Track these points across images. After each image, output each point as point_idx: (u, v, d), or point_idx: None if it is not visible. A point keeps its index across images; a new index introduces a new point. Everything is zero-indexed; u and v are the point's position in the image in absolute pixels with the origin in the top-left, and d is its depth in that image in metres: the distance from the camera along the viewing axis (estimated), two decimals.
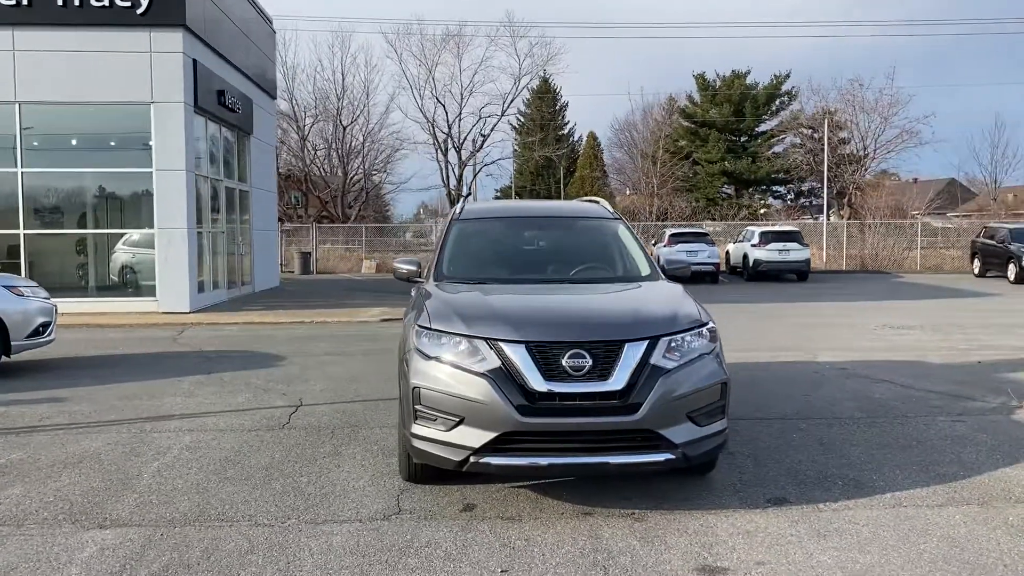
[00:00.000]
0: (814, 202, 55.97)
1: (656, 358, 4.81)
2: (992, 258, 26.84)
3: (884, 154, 45.01)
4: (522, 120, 64.07)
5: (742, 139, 55.21)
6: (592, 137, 60.73)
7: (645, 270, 6.26)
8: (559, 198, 59.27)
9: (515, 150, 64.05)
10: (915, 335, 13.10)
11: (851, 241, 32.92)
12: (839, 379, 9.16)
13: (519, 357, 4.75)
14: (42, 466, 5.94)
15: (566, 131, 65.48)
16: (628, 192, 58.76)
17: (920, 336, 12.99)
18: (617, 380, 4.71)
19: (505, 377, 4.72)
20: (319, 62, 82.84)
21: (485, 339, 4.85)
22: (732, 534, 4.60)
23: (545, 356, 4.75)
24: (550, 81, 61.82)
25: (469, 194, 7.73)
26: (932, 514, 4.89)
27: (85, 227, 17.25)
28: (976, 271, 27.94)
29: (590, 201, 7.48)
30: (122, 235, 17.29)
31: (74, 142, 17.12)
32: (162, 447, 6.40)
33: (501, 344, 4.80)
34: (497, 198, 70.68)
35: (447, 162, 52.71)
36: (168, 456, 6.15)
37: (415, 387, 4.91)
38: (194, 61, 16.30)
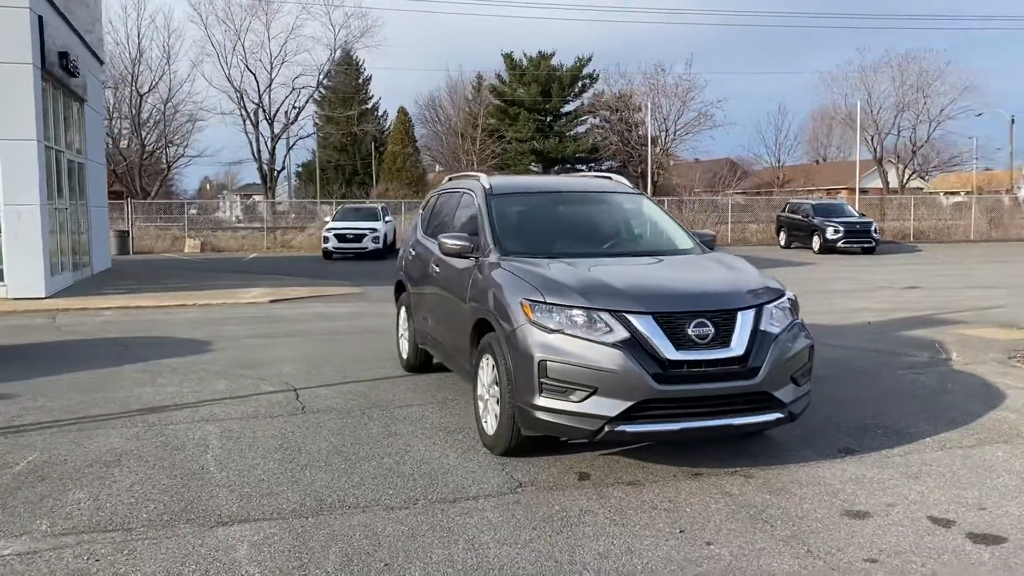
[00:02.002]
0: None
1: (764, 324, 5.16)
2: (797, 231, 29.67)
3: (683, 135, 48.33)
4: (324, 93, 62.36)
5: (548, 119, 57.06)
6: (403, 112, 60.27)
7: (688, 242, 6.57)
8: (371, 174, 58.45)
9: (316, 123, 62.31)
10: None
11: None
12: None
13: (648, 328, 4.92)
14: (78, 467, 5.37)
15: (371, 105, 64.47)
16: (438, 169, 59.00)
17: None
18: (737, 346, 5.01)
19: (636, 347, 4.88)
20: (110, 24, 76.07)
21: (610, 311, 4.97)
22: (843, 481, 5.05)
23: (671, 326, 4.95)
24: (352, 54, 60.58)
25: (471, 173, 7.33)
26: (978, 453, 5.60)
27: None
28: (782, 243, 30.76)
29: (604, 177, 7.65)
30: None
31: None
32: (196, 439, 5.95)
33: (628, 316, 4.95)
34: (299, 174, 68.44)
35: (259, 135, 50.55)
36: (214, 448, 5.74)
37: (541, 360, 4.94)
38: (40, 18, 14.67)
